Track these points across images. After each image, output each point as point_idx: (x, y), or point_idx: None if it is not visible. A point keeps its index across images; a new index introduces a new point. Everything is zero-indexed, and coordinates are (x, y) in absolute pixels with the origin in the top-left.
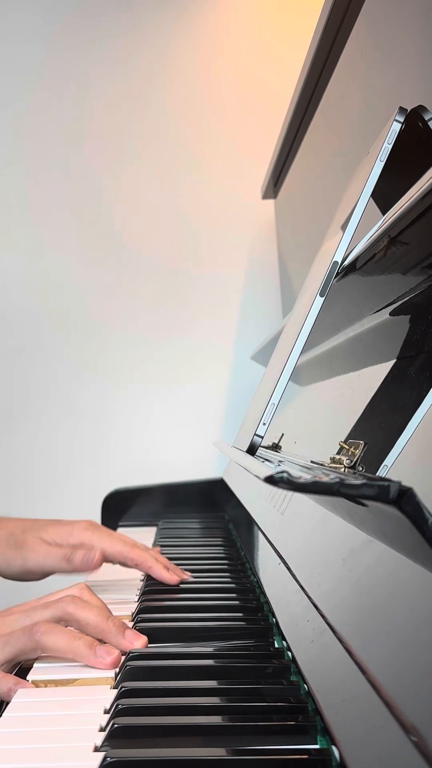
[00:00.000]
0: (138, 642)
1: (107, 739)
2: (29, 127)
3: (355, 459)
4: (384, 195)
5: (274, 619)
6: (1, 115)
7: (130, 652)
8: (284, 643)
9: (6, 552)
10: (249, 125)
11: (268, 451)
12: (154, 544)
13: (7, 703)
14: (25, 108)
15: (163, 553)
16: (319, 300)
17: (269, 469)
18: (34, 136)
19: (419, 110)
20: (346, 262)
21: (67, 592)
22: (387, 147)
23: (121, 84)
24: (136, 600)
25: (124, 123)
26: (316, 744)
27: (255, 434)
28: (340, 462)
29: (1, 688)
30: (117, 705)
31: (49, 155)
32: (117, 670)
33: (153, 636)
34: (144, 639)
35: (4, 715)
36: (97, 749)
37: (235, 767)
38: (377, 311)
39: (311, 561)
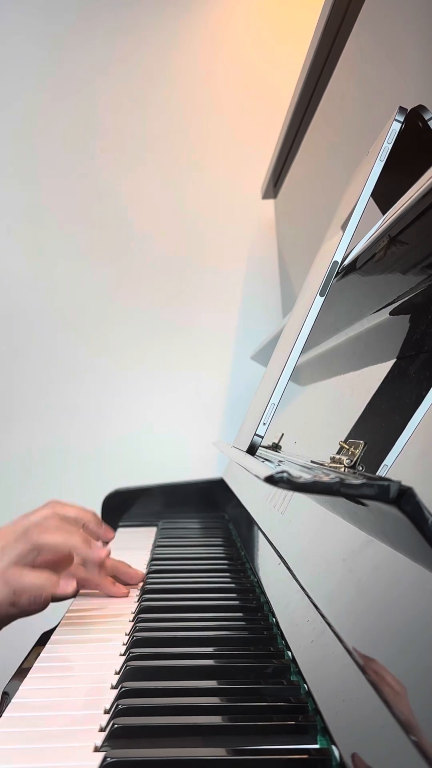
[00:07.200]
0: (110, 534)
1: (107, 739)
2: (30, 126)
3: (355, 459)
4: (384, 195)
5: (274, 619)
6: (3, 114)
7: (129, 653)
8: (284, 642)
9: None
10: (251, 124)
11: (268, 451)
12: (154, 544)
13: (8, 703)
14: (27, 107)
15: (163, 553)
16: (319, 300)
17: (269, 469)
18: (36, 136)
19: (419, 110)
20: (346, 262)
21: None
22: (387, 147)
23: (123, 83)
24: (136, 600)
25: (125, 122)
26: (316, 744)
27: (255, 434)
28: (340, 462)
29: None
30: (117, 705)
31: (50, 154)
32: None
33: (153, 636)
34: (113, 534)
35: (4, 714)
36: (97, 749)
37: (235, 767)
38: (377, 311)
39: (311, 561)
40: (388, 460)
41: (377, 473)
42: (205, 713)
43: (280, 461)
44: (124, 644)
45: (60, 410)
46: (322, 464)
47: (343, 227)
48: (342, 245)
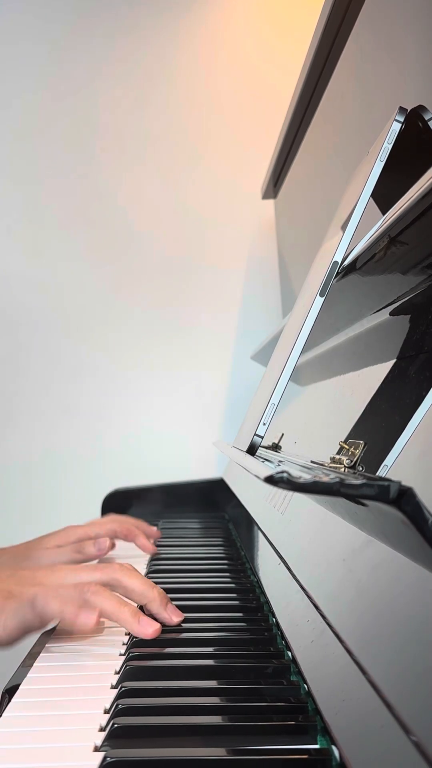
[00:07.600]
0: (177, 618)
1: (107, 739)
2: (30, 126)
3: (355, 459)
4: (384, 195)
5: (274, 619)
6: (3, 114)
7: (129, 653)
8: (284, 642)
9: (20, 565)
10: (251, 124)
11: (268, 451)
12: (154, 544)
13: (8, 703)
14: (27, 107)
15: (163, 553)
16: (319, 300)
17: (269, 469)
18: (36, 136)
19: (419, 110)
20: (346, 262)
21: (111, 564)
22: (387, 147)
23: (123, 83)
24: None
25: (125, 122)
26: (316, 744)
27: (255, 434)
28: (340, 462)
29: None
30: (117, 705)
31: (50, 154)
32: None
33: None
34: (182, 617)
35: (4, 714)
36: (97, 749)
37: (235, 767)
38: (377, 311)
39: (311, 561)
40: (388, 460)
41: (377, 473)
42: (205, 713)
43: (280, 461)
44: (124, 644)
45: (60, 410)
46: (322, 464)
47: (343, 227)
48: (342, 245)
